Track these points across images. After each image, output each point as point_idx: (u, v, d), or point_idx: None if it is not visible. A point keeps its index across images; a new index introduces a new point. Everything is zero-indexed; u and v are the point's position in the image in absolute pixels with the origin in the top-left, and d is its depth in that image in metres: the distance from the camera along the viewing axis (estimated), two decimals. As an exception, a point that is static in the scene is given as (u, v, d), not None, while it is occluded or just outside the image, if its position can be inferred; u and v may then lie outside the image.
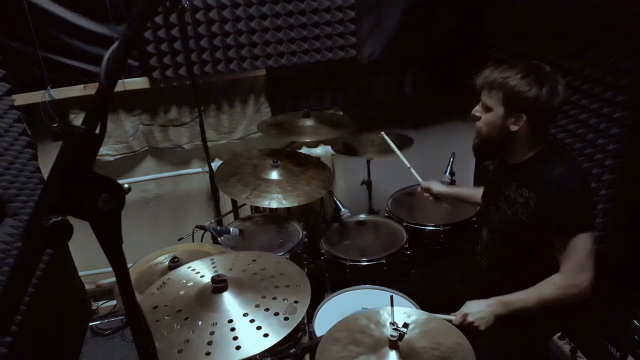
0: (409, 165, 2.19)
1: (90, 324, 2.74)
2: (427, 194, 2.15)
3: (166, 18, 2.34)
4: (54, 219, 0.64)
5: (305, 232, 2.25)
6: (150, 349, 0.85)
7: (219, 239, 2.16)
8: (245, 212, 2.68)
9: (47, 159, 2.39)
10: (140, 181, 2.74)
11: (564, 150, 1.71)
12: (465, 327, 1.61)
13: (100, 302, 2.88)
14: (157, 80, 2.48)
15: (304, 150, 2.80)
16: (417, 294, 1.78)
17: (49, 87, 2.33)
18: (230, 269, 1.48)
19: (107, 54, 0.69)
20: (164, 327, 1.27)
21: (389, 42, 2.67)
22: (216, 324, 1.26)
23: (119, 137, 2.60)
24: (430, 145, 2.89)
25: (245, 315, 1.28)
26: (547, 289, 1.58)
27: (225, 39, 2.44)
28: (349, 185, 2.96)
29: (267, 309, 1.30)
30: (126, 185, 0.74)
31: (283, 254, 2.09)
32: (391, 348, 1.28)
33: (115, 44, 0.69)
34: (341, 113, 2.79)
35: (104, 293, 2.92)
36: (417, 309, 1.67)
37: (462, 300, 1.68)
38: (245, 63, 2.51)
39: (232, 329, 1.24)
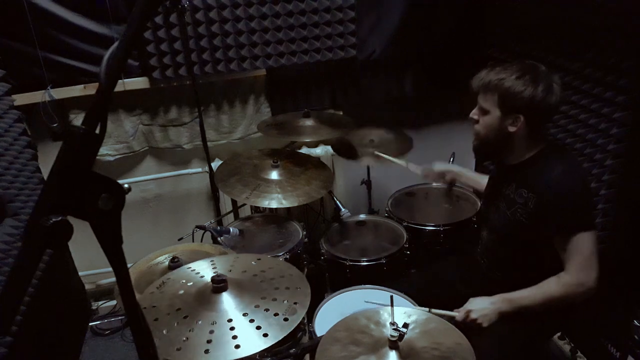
0: (405, 164, 2.22)
1: (90, 324, 2.74)
2: (431, 179, 2.18)
3: (166, 18, 2.34)
4: (54, 219, 0.65)
5: (305, 232, 2.24)
6: (150, 349, 0.85)
7: (219, 239, 2.16)
8: (245, 212, 2.68)
9: (47, 159, 2.39)
10: (140, 181, 2.74)
11: (563, 150, 1.71)
12: (468, 324, 1.61)
13: (100, 302, 2.88)
14: (157, 80, 2.48)
15: (304, 150, 2.80)
16: (417, 294, 1.78)
17: (49, 87, 2.33)
18: (230, 270, 1.48)
19: (107, 54, 0.69)
20: (163, 325, 1.27)
21: (389, 42, 2.67)
22: (215, 323, 1.26)
23: (119, 137, 2.60)
24: (430, 145, 2.89)
25: (244, 315, 1.29)
26: (553, 286, 1.58)
27: (225, 39, 2.44)
28: (349, 185, 2.96)
29: (266, 310, 1.30)
30: (126, 185, 0.74)
31: (283, 254, 2.09)
32: (391, 348, 1.28)
33: (115, 44, 0.69)
34: (341, 113, 2.79)
35: (104, 293, 2.92)
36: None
37: (462, 300, 1.68)
38: (245, 63, 2.51)
39: (232, 328, 1.25)
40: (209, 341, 1.21)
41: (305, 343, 1.55)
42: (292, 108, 2.73)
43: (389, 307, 1.39)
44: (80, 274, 2.71)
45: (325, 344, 1.34)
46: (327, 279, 2.27)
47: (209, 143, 2.56)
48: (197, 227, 2.20)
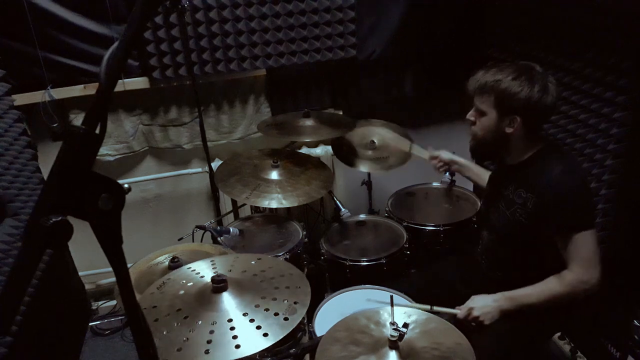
0: (409, 148, 2.28)
1: (90, 324, 2.74)
2: (436, 161, 2.16)
3: (166, 18, 2.34)
4: (54, 219, 0.64)
5: (305, 232, 2.25)
6: (150, 349, 0.85)
7: (219, 239, 2.16)
8: (245, 212, 2.68)
9: (47, 159, 2.39)
10: (140, 181, 2.74)
11: (561, 150, 1.70)
12: (470, 322, 1.61)
13: (100, 302, 2.88)
14: (157, 80, 2.48)
15: (304, 150, 2.80)
16: (417, 294, 1.78)
17: (49, 87, 2.33)
18: (230, 270, 1.48)
19: (107, 54, 0.69)
20: (163, 325, 1.27)
21: (389, 42, 2.67)
22: (216, 323, 1.26)
23: (119, 137, 2.60)
24: (430, 145, 2.89)
25: (245, 315, 1.29)
26: (556, 285, 1.58)
27: (225, 39, 2.44)
28: (349, 185, 2.96)
29: (266, 309, 1.30)
30: (126, 185, 0.74)
31: (283, 254, 2.09)
32: (391, 348, 1.28)
33: (115, 44, 0.69)
34: (341, 113, 2.79)
35: (104, 293, 2.92)
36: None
37: (462, 300, 1.68)
38: (245, 63, 2.51)
39: (232, 328, 1.25)
40: (209, 341, 1.21)
41: (305, 343, 1.55)
42: (292, 108, 2.73)
43: (389, 307, 1.39)
44: (80, 274, 2.70)
45: (325, 344, 1.34)
46: (327, 279, 2.27)
47: (209, 143, 2.56)
48: (197, 227, 2.20)
